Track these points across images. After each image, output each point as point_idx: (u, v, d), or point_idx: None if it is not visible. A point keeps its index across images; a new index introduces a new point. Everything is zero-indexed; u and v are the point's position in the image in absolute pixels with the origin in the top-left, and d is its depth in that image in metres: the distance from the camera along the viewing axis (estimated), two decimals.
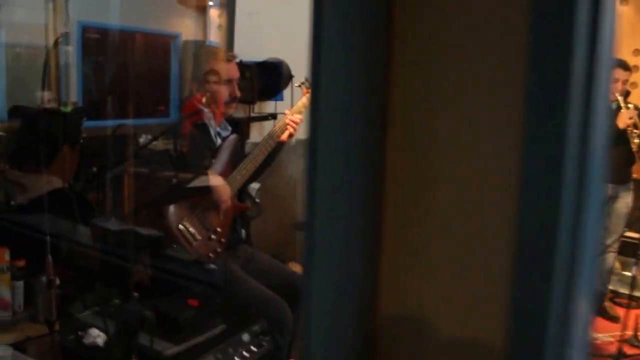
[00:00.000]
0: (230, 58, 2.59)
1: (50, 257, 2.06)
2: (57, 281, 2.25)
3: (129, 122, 3.85)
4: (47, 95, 3.63)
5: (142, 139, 3.98)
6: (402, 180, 0.80)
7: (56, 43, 3.82)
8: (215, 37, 4.52)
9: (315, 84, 0.73)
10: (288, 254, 3.94)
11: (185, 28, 4.57)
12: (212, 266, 2.11)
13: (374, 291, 0.80)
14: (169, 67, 4.74)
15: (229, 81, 2.55)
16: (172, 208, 2.28)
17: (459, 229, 0.76)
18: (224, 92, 2.52)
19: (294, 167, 3.93)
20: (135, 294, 1.68)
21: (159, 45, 4.81)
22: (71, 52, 4.04)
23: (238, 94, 2.58)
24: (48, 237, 1.97)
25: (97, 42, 4.38)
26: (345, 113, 0.76)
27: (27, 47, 4.08)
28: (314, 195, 0.72)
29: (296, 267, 3.65)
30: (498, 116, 0.75)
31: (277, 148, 2.64)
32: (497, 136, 0.75)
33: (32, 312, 2.27)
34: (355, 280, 0.78)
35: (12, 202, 2.07)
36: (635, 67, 4.44)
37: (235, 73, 2.59)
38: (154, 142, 3.18)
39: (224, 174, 2.46)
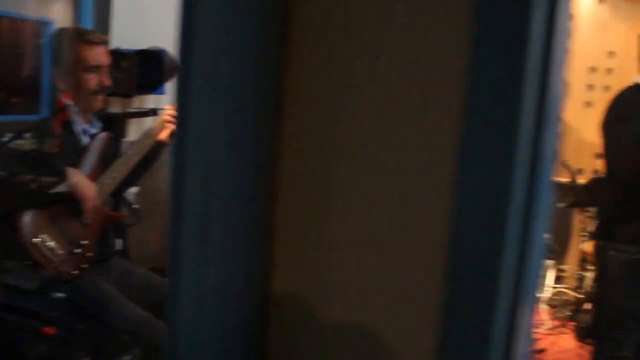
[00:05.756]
0: (96, 40, 2.24)
1: None
2: None
3: None
4: None
5: (6, 139, 3.56)
6: (298, 168, 0.84)
7: None
8: (93, 24, 4.13)
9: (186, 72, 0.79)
10: None
11: (61, 14, 4.15)
12: (59, 294, 1.78)
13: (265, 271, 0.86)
14: (40, 58, 4.31)
15: (97, 68, 2.21)
16: (27, 218, 1.93)
17: (365, 218, 0.80)
18: (89, 80, 2.19)
19: None
20: None
21: (29, 33, 4.36)
22: None
23: (107, 83, 2.25)
24: None
25: None
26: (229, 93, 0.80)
27: None
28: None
29: None
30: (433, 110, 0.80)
31: (156, 148, 2.35)
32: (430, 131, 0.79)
33: None
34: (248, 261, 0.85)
35: None
36: (610, 70, 4.32)
37: (104, 58, 2.25)
38: (19, 142, 2.81)
39: (93, 177, 2.14)
